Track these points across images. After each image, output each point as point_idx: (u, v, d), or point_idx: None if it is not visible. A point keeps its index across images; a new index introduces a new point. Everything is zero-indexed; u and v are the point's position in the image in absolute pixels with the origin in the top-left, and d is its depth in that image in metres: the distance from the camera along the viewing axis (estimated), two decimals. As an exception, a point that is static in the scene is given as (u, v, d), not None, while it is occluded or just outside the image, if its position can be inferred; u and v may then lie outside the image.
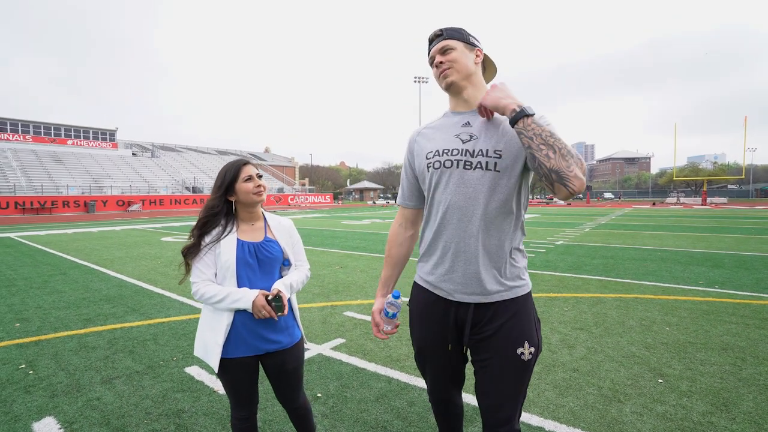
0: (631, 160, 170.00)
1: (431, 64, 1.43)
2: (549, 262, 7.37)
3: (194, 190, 43.29)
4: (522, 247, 1.39)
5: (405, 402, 2.50)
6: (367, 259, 7.97)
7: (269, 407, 2.45)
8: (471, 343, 1.36)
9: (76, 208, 32.32)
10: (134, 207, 34.32)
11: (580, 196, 62.21)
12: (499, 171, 1.29)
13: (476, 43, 1.43)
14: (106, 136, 50.12)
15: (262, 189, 1.69)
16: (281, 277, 1.72)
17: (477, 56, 1.42)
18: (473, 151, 1.31)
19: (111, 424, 2.30)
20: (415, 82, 66.25)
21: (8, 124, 43.79)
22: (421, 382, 2.73)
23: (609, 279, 5.89)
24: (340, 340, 3.54)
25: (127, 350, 3.36)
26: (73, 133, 47.68)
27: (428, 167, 1.38)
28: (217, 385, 2.71)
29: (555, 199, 53.07)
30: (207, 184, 45.08)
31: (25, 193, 32.63)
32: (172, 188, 42.00)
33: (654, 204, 42.72)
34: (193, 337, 3.62)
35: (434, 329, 1.40)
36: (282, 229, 1.76)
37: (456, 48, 1.38)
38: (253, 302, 1.54)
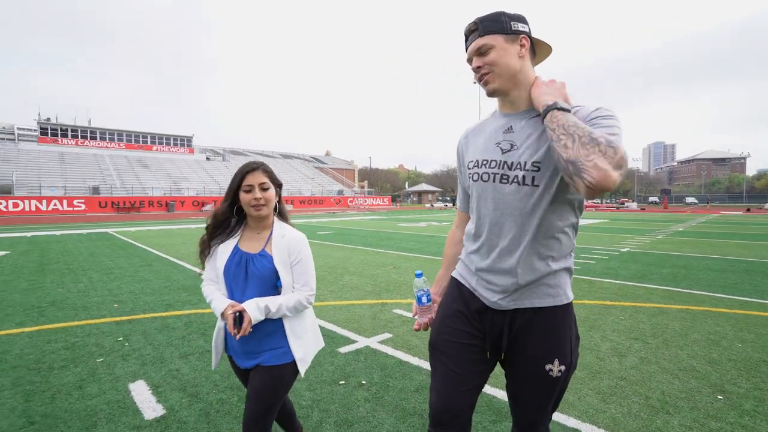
0: (720, 161, 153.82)
1: (469, 62, 1.29)
2: (610, 269, 7.03)
3: (261, 191, 45.87)
4: (569, 264, 1.29)
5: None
6: (421, 260, 8.10)
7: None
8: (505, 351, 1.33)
9: (159, 207, 35.69)
10: (207, 207, 37.17)
11: (632, 203, 57.16)
12: (537, 185, 1.20)
13: (519, 28, 1.24)
14: (184, 142, 54.75)
15: (261, 203, 1.56)
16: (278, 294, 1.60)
17: (522, 46, 1.24)
18: (511, 163, 1.23)
19: (187, 390, 2.68)
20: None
21: (107, 134, 49.38)
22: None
23: (676, 290, 5.52)
24: (387, 335, 3.72)
25: (200, 332, 3.80)
26: (156, 140, 52.66)
27: (470, 177, 1.34)
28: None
29: (626, 204, 49.41)
30: (273, 186, 47.59)
31: (119, 194, 36.61)
32: (241, 190, 44.89)
33: (748, 210, 38.16)
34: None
35: (464, 327, 1.37)
36: (282, 244, 1.59)
37: (495, 46, 1.23)
38: (221, 313, 1.50)
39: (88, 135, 48.06)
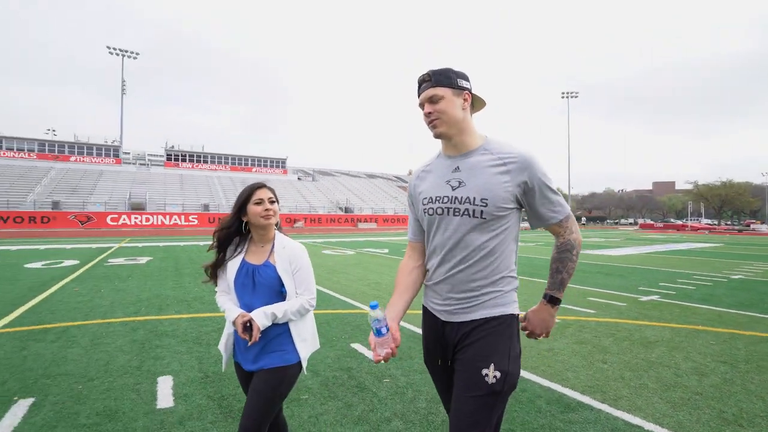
0: None
1: (421, 107, 1.46)
2: (710, 296, 6.64)
3: (346, 210, 48.37)
4: (511, 281, 1.45)
5: (514, 397, 2.99)
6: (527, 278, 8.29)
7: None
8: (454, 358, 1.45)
9: (258, 223, 39.51)
10: (298, 224, 40.17)
11: (762, 225, 49.53)
12: (485, 218, 1.38)
13: (464, 84, 1.43)
14: (279, 163, 59.90)
15: (270, 213, 1.72)
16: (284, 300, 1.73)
17: (465, 100, 1.43)
18: (461, 198, 1.40)
19: (309, 368, 3.39)
20: (563, 97, 62.39)
21: (215, 158, 56.03)
22: (532, 380, 3.18)
23: (785, 319, 5.14)
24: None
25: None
26: (256, 162, 58.36)
27: (425, 212, 1.49)
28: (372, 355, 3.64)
29: (754, 226, 43.14)
30: (357, 204, 49.93)
31: (225, 211, 41.21)
32: (328, 208, 47.71)
33: None
34: (351, 328, 4.68)
35: (432, 346, 1.53)
36: (284, 255, 1.74)
37: (444, 96, 1.40)
38: (233, 321, 1.65)
39: (202, 159, 54.98)
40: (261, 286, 1.70)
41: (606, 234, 31.84)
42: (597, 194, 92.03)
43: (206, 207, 41.35)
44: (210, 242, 1.80)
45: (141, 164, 53.89)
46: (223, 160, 56.51)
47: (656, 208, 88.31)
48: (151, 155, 58.05)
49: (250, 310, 1.66)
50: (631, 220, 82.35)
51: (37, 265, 9.94)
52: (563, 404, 2.79)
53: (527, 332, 1.48)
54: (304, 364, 1.73)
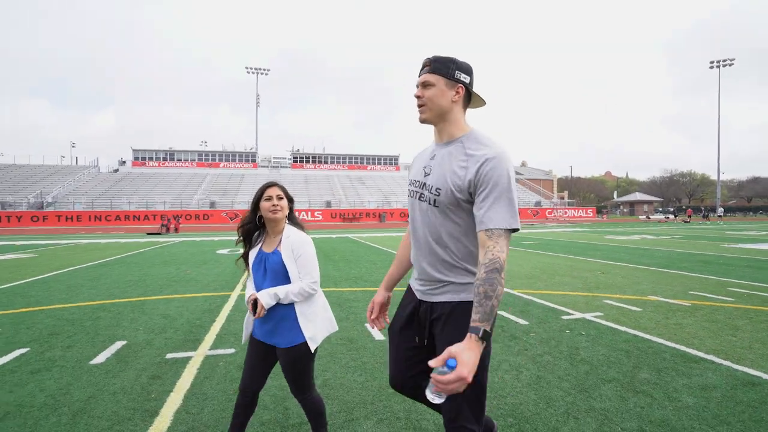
0: None
1: (416, 88, 1.50)
2: None
3: (457, 204, 48.77)
4: (469, 266, 1.46)
5: (643, 351, 3.64)
6: (630, 269, 8.42)
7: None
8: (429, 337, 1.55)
9: (373, 218, 42.26)
10: (413, 218, 41.95)
11: None
12: (438, 206, 1.43)
13: (461, 78, 1.44)
14: (392, 161, 62.66)
15: (278, 208, 1.92)
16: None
17: (456, 93, 1.44)
18: (426, 185, 1.47)
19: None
20: (711, 67, 54.01)
21: (335, 158, 61.02)
22: (659, 342, 3.77)
23: None
24: (599, 313, 4.82)
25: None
26: (370, 161, 61.98)
27: (408, 194, 1.60)
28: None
29: None
30: (468, 198, 50.03)
31: (344, 207, 44.96)
32: (440, 202, 48.72)
33: None
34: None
35: (406, 319, 1.64)
36: (287, 243, 1.95)
37: (435, 84, 1.43)
38: (246, 300, 1.93)
39: (323, 160, 60.39)
40: (270, 271, 1.94)
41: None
42: (761, 179, 75.43)
43: (329, 204, 45.61)
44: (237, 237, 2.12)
45: (273, 167, 61.18)
46: (341, 160, 61.26)
47: None
48: (277, 158, 64.89)
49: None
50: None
51: (225, 251, 12.78)
52: (686, 358, 3.41)
53: (452, 378, 1.12)
54: (311, 344, 1.92)
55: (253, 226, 2.02)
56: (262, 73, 60.46)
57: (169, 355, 3.56)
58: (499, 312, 4.92)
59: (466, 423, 1.38)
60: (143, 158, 54.69)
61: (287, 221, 2.03)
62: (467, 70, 1.46)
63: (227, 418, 2.42)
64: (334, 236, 19.74)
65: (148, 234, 23.92)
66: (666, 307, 5.10)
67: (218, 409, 2.60)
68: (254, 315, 1.86)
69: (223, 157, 57.38)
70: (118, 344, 3.86)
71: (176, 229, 27.11)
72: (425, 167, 1.51)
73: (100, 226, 34.88)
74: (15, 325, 4.55)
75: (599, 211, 55.28)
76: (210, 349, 3.71)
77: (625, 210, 64.63)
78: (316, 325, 1.98)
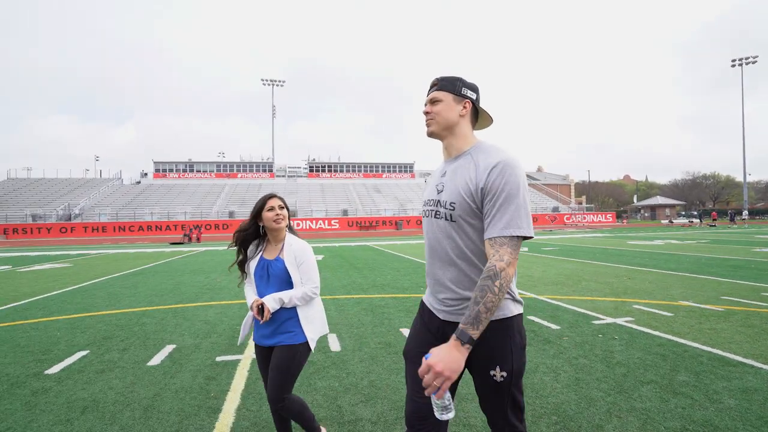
0: None
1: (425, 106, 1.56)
2: None
3: (474, 210, 48.59)
4: None
5: (679, 355, 3.69)
6: (658, 274, 8.37)
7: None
8: None
9: (389, 226, 42.40)
10: (429, 225, 41.96)
11: None
12: (455, 221, 1.42)
13: (468, 94, 1.50)
14: (407, 168, 62.89)
15: (280, 218, 2.06)
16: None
17: (464, 108, 1.49)
18: (441, 201, 1.47)
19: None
20: (734, 65, 53.26)
21: (350, 167, 61.56)
22: (694, 346, 3.81)
23: None
24: (629, 318, 4.87)
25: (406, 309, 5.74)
26: (385, 168, 62.33)
27: (423, 213, 1.60)
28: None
29: None
30: (484, 205, 49.81)
31: (361, 215, 45.24)
32: (456, 209, 48.60)
33: None
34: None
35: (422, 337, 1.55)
36: (290, 251, 2.07)
37: (443, 100, 1.49)
38: (250, 306, 2.02)
39: (338, 169, 60.99)
40: (273, 277, 2.06)
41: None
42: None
43: (345, 212, 45.96)
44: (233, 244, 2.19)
45: (289, 176, 62.03)
46: (356, 169, 61.76)
47: None
48: (292, 167, 65.55)
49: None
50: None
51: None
52: (724, 362, 3.45)
53: (423, 368, 1.23)
54: (312, 345, 2.08)
55: (252, 235, 2.14)
56: (277, 85, 61.60)
57: (218, 358, 3.76)
58: (529, 317, 5.00)
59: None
60: (164, 170, 56.10)
61: (287, 230, 2.16)
62: (473, 87, 1.53)
63: (286, 415, 2.58)
64: (353, 244, 19.93)
65: (171, 244, 24.55)
66: (699, 312, 5.11)
67: (275, 408, 2.77)
68: (261, 319, 1.97)
69: (241, 168, 58.44)
70: (169, 347, 4.09)
71: (198, 239, 27.73)
72: (437, 185, 1.52)
73: (125, 236, 35.88)
74: (71, 330, 4.84)
75: (619, 216, 54.38)
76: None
77: (646, 214, 63.39)
78: (315, 326, 2.11)
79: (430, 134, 1.53)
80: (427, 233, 1.54)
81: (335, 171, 60.91)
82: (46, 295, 7.23)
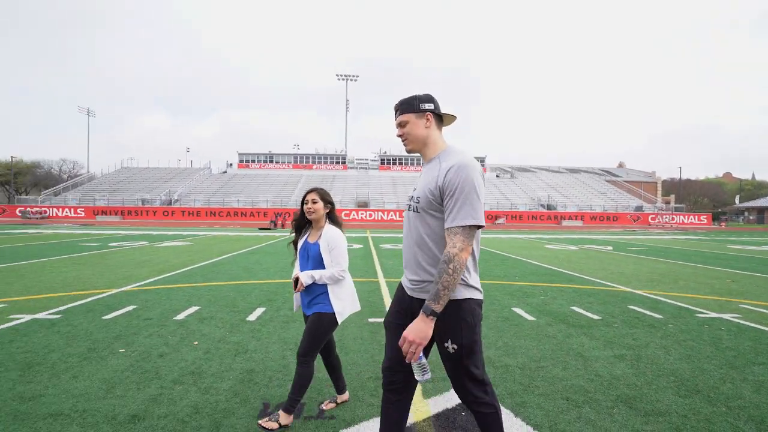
0: None
1: (397, 129, 1.79)
2: None
3: (549, 207, 46.98)
4: None
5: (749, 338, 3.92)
6: (767, 279, 8.09)
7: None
8: None
9: (460, 219, 42.39)
10: (500, 221, 41.39)
11: None
12: (419, 212, 1.68)
13: (426, 107, 1.72)
14: (479, 162, 61.97)
15: (311, 210, 2.44)
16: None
17: (427, 120, 1.72)
18: (413, 197, 1.74)
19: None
20: None
21: (420, 160, 61.72)
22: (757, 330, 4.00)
23: None
24: (736, 314, 5.04)
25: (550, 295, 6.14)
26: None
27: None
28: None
29: None
30: (560, 201, 47.90)
31: (431, 208, 45.63)
32: (529, 205, 47.32)
33: None
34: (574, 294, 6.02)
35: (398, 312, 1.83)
36: (325, 237, 2.43)
37: (409, 121, 1.73)
38: (291, 277, 2.47)
39: (409, 162, 61.83)
40: (311, 258, 2.44)
41: None
42: None
43: (415, 205, 46.59)
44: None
45: (361, 168, 64.06)
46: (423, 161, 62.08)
47: None
48: (359, 159, 67.23)
49: None
50: None
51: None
52: (838, 354, 3.64)
53: (402, 343, 1.57)
54: (339, 318, 2.41)
55: (302, 221, 2.56)
56: (351, 80, 63.66)
57: (370, 320, 4.67)
58: (630, 306, 5.37)
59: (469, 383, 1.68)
60: (247, 161, 60.70)
61: (328, 220, 2.52)
62: (429, 99, 1.73)
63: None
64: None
65: (260, 229, 26.83)
66: (811, 314, 5.11)
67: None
68: (295, 290, 2.39)
69: (316, 160, 61.46)
70: (321, 310, 5.07)
71: (282, 225, 30.06)
72: (415, 184, 1.78)
73: (216, 220, 39.65)
74: (238, 293, 6.04)
75: (716, 218, 49.45)
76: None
77: (751, 217, 56.90)
78: (344, 303, 2.45)
79: (410, 151, 1.80)
80: (404, 223, 1.84)
81: (406, 164, 61.84)
82: (193, 267, 8.74)
